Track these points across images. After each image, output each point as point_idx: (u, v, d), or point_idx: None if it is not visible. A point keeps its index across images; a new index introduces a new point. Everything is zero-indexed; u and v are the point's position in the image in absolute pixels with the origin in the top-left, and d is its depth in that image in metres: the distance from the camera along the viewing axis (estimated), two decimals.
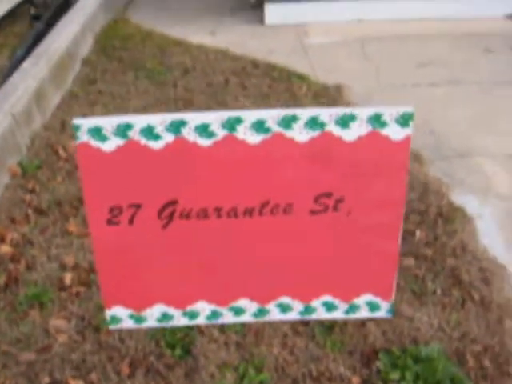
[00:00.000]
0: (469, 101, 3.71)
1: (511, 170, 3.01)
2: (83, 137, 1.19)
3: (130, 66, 4.24)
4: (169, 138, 1.19)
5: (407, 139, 1.22)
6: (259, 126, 1.18)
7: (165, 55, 4.38)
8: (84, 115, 3.55)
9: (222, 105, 3.50)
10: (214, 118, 1.17)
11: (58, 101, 3.78)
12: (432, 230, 2.51)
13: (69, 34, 4.39)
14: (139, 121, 1.18)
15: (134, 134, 1.19)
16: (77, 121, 1.18)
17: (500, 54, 4.45)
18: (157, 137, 1.18)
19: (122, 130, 1.18)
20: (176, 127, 1.18)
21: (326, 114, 1.18)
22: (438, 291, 2.20)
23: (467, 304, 2.15)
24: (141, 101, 3.65)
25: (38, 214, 2.70)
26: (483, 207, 2.75)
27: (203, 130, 1.18)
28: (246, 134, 1.18)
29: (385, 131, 1.20)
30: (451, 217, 2.60)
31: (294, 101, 3.54)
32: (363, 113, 1.19)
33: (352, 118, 1.18)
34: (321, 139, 1.19)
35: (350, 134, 1.19)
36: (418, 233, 2.48)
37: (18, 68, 3.87)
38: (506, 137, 3.29)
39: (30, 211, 2.70)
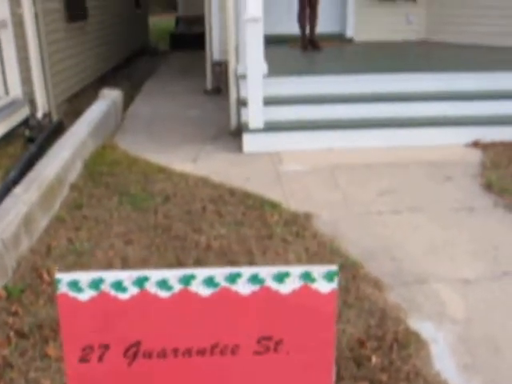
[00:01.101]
0: (429, 228, 3.99)
1: (465, 295, 3.22)
2: (63, 288, 1.43)
3: (114, 191, 4.54)
4: (134, 290, 1.43)
5: (333, 292, 1.46)
6: (209, 282, 1.43)
7: (148, 182, 4.70)
8: (69, 240, 3.79)
9: (198, 232, 3.78)
10: (172, 275, 1.42)
11: (45, 225, 4.01)
12: (388, 356, 2.69)
13: (60, 160, 4.72)
14: (110, 276, 1.43)
15: (105, 286, 1.43)
16: (59, 275, 1.43)
17: (460, 182, 4.80)
18: (124, 289, 1.43)
19: (96, 284, 1.42)
20: (140, 282, 1.43)
21: (265, 271, 1.44)
22: None
23: None
24: (122, 227, 3.91)
25: (19, 336, 2.85)
26: (438, 332, 2.94)
27: (163, 284, 1.43)
28: (199, 288, 1.44)
29: (314, 286, 1.45)
30: (407, 342, 2.79)
31: (266, 228, 3.82)
32: (296, 270, 1.44)
33: (287, 274, 1.44)
34: (261, 292, 1.45)
35: (286, 288, 1.44)
36: (373, 358, 2.66)
37: (11, 191, 4.16)
38: (463, 262, 3.54)
39: (11, 334, 2.86)
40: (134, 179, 4.78)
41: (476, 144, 5.69)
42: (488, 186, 4.63)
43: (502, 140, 5.68)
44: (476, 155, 5.41)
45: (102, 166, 5.09)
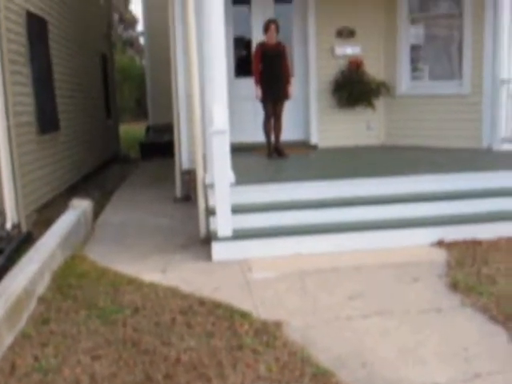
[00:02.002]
0: (399, 331, 4.00)
1: None
2: None
3: (83, 304, 4.49)
4: None
5: None
6: None
7: (117, 293, 4.67)
8: (35, 357, 3.70)
9: (168, 345, 3.73)
10: None
11: (10, 341, 3.91)
12: None
13: (28, 273, 4.67)
14: None
15: None
16: None
17: (427, 282, 4.87)
18: None
19: None
20: None
21: None
22: None
23: None
24: (90, 342, 3.84)
25: None
26: None
27: None
28: None
29: None
30: None
31: (236, 339, 3.80)
32: None
33: None
34: None
35: None
36: None
37: None
38: (434, 366, 3.53)
39: None
40: (103, 291, 4.74)
41: (440, 243, 5.84)
42: (454, 286, 4.72)
43: (465, 238, 5.86)
44: (441, 255, 5.54)
45: (71, 278, 5.06)
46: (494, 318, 4.10)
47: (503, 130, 8.25)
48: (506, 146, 8.21)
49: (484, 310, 4.23)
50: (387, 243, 5.78)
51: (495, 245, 5.71)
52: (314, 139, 9.31)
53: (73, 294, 4.71)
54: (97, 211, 7.68)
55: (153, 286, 4.82)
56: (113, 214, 7.86)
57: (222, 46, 5.80)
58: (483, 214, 6.15)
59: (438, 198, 6.25)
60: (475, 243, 5.76)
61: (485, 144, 8.56)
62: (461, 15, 8.67)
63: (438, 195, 6.28)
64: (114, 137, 16.47)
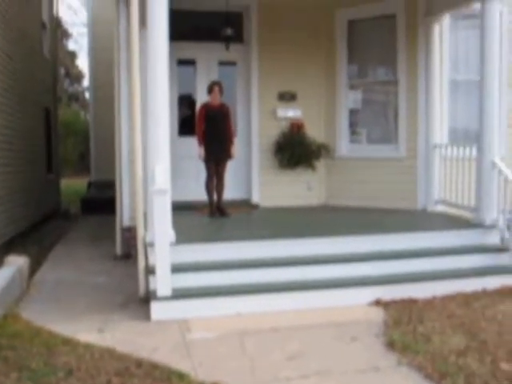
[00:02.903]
0: None
1: None
2: None
3: (14, 366, 4.30)
4: None
5: None
6: None
7: (51, 354, 4.50)
8: None
9: None
10: None
11: None
12: None
13: None
14: None
15: None
16: None
17: (365, 342, 4.92)
18: None
19: None
20: None
21: None
22: None
23: None
24: None
25: None
26: None
27: None
28: None
29: None
30: None
31: None
32: None
33: None
34: None
35: None
36: None
37: None
38: None
39: None
40: (36, 352, 4.57)
41: (378, 303, 5.95)
42: (391, 345, 4.79)
43: (402, 297, 5.99)
44: (378, 314, 5.63)
45: (2, 339, 4.85)
46: (429, 376, 4.17)
47: (436, 192, 8.63)
48: (440, 208, 8.57)
49: (420, 369, 4.30)
50: (326, 303, 5.84)
51: (430, 303, 5.87)
52: (256, 198, 9.44)
53: (3, 355, 4.52)
54: (33, 268, 7.46)
55: (89, 347, 4.68)
56: (50, 271, 7.65)
57: (166, 104, 5.90)
58: (418, 274, 6.33)
59: (375, 258, 6.40)
60: (411, 302, 5.90)
61: (420, 205, 8.90)
62: (396, 83, 9.14)
63: (375, 255, 6.45)
64: (55, 191, 16.18)
